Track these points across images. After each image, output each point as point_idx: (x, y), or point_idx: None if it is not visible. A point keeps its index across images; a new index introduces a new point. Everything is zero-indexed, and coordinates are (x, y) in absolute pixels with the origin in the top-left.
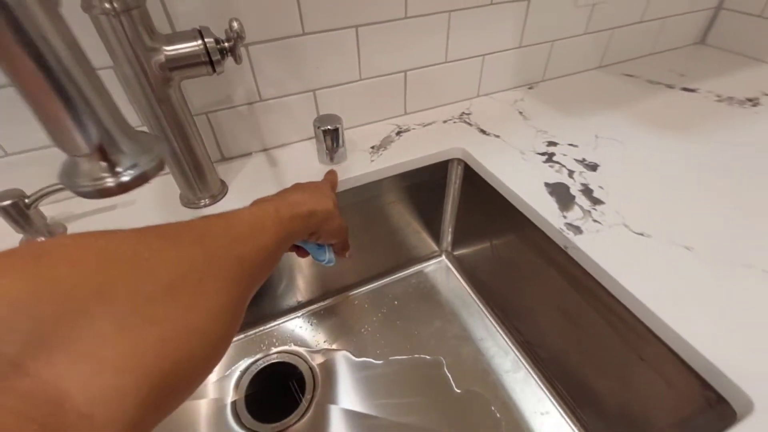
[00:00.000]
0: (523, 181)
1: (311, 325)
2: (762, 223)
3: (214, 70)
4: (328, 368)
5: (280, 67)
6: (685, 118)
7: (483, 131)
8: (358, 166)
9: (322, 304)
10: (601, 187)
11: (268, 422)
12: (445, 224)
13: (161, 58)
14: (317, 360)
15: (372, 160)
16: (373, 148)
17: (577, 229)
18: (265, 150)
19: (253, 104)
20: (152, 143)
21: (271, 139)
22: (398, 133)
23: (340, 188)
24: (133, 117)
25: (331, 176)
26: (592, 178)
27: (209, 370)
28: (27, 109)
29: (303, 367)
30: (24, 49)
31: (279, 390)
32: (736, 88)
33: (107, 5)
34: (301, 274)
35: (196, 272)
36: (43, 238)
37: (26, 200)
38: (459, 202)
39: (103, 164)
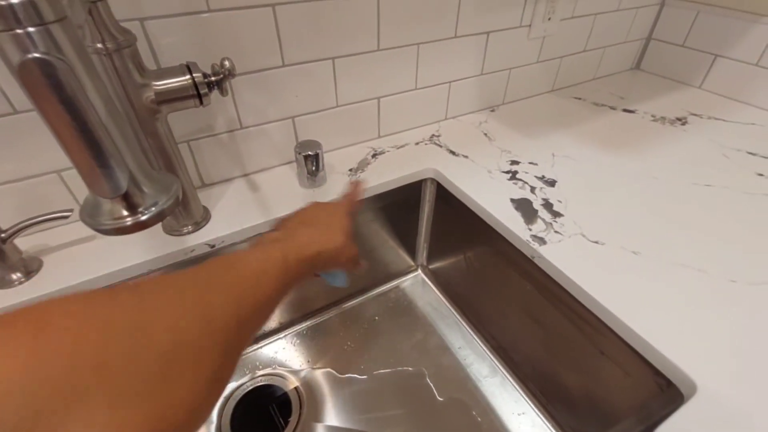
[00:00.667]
0: (491, 198)
1: (294, 345)
2: (691, 228)
3: (201, 103)
4: (313, 387)
5: (261, 97)
6: (627, 136)
7: (452, 152)
8: (338, 189)
9: (304, 324)
10: (559, 201)
11: None
12: (420, 240)
13: (151, 93)
14: (302, 380)
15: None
16: (351, 170)
17: (542, 240)
18: (245, 175)
19: (233, 132)
20: (170, 183)
21: (252, 164)
22: (374, 156)
23: None
24: None
25: (353, 192)
26: (551, 193)
27: None
28: None
29: (288, 388)
30: (64, 105)
31: (264, 413)
32: (667, 109)
33: (99, 45)
34: None
35: (193, 341)
36: (19, 275)
37: (2, 235)
38: (433, 218)
39: (125, 204)
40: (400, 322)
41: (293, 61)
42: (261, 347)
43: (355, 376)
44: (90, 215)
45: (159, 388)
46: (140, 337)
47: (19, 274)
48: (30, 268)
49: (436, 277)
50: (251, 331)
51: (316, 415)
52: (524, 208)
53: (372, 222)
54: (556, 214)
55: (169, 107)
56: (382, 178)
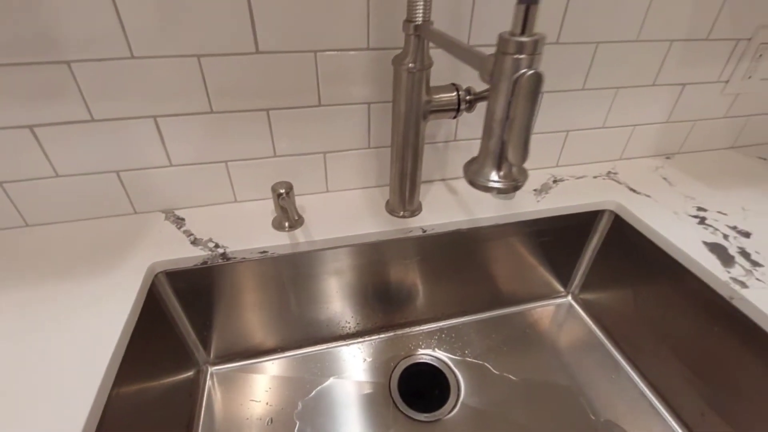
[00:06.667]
0: (682, 237)
1: (451, 337)
2: None
3: (455, 116)
4: (471, 376)
5: (476, 116)
6: None
7: (633, 190)
8: (526, 204)
9: (457, 320)
10: (757, 252)
11: (420, 410)
12: (578, 268)
13: (430, 103)
14: (459, 367)
15: (537, 201)
16: (535, 190)
17: (743, 284)
18: (443, 180)
19: (448, 142)
20: (524, 175)
21: (451, 171)
22: (554, 182)
23: (505, 220)
24: (382, 138)
25: None
26: (747, 244)
27: None
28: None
29: (446, 371)
30: (534, 105)
31: (423, 387)
32: None
33: (412, 65)
34: (442, 291)
35: None
36: (287, 223)
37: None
38: (599, 249)
39: (510, 174)
40: (550, 340)
41: None
42: (421, 330)
43: (510, 376)
44: (484, 179)
45: None
46: None
47: (287, 224)
48: (298, 221)
49: (588, 306)
50: None
51: (474, 400)
52: (719, 252)
53: (532, 242)
54: (756, 264)
55: (434, 116)
56: (563, 202)
